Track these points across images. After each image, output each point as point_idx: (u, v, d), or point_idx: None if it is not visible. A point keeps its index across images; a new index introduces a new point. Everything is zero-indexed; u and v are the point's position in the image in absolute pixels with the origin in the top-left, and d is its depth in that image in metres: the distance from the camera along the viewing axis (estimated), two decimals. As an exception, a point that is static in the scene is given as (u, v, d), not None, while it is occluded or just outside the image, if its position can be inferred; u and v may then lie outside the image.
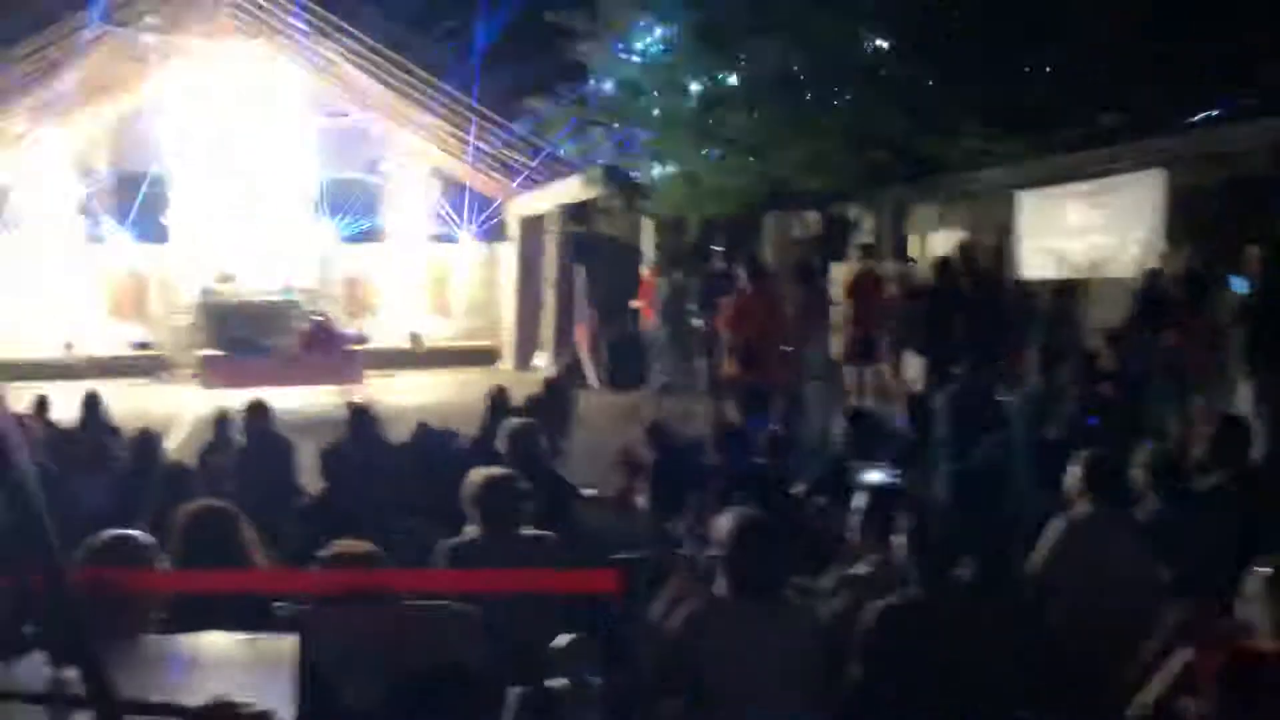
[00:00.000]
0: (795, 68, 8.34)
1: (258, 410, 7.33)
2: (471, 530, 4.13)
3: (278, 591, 3.21)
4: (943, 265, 9.70)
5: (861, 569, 4.11)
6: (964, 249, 10.19)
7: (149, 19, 16.71)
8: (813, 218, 11.28)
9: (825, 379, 9.66)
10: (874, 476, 5.10)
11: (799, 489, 6.14)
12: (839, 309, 10.52)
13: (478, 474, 4.20)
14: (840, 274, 11.21)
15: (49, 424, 8.62)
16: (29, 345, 18.96)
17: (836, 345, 10.42)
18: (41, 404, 9.09)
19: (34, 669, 1.88)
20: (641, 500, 8.06)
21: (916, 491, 5.19)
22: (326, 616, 2.81)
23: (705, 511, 6.15)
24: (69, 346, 19.33)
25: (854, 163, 9.54)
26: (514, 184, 19.83)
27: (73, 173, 20.26)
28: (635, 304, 16.62)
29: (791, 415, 8.18)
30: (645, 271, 16.60)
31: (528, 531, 4.17)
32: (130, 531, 3.03)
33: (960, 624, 3.46)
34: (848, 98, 8.38)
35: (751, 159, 9.78)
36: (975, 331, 8.83)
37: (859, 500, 4.33)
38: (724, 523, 3.57)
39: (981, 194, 10.80)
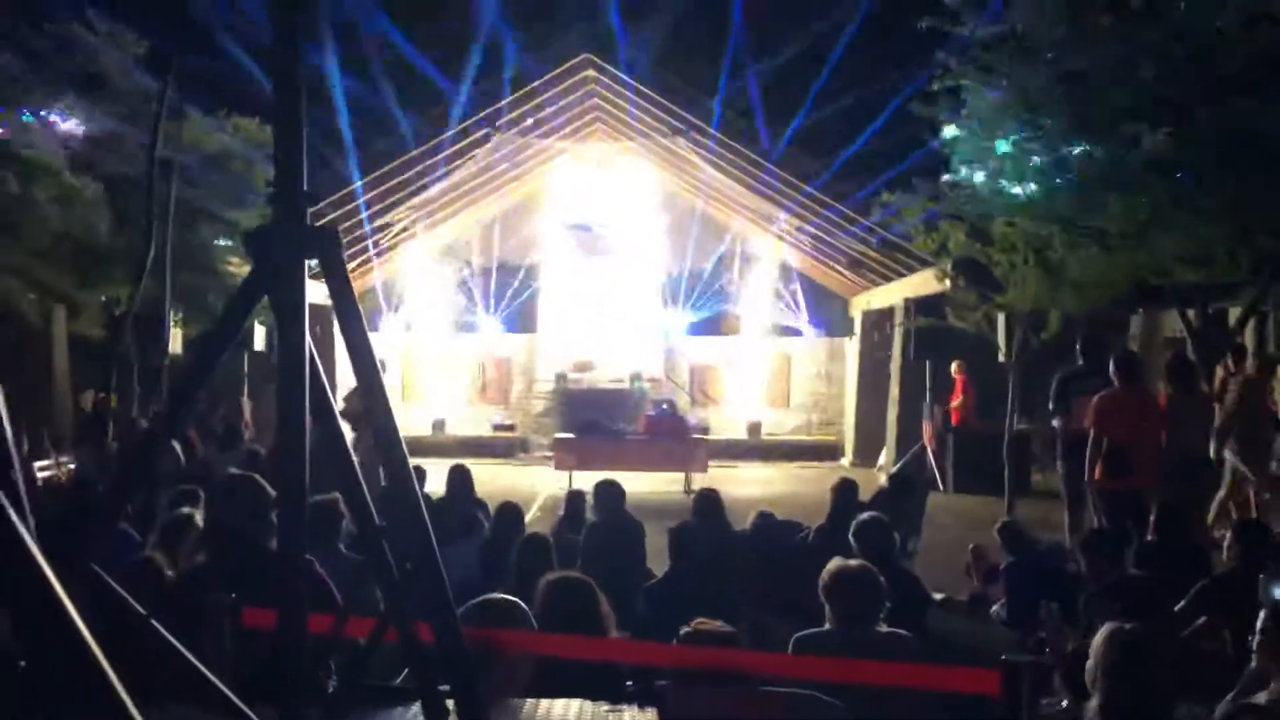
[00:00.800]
0: (1175, 151, 7.77)
1: (611, 489, 7.51)
2: (826, 623, 3.98)
3: (636, 663, 3.20)
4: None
5: (1262, 697, 3.62)
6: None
7: (527, 123, 18.05)
8: (1188, 314, 10.39)
9: (1205, 488, 8.79)
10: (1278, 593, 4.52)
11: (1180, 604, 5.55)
12: (1223, 414, 9.65)
13: (836, 565, 4.06)
14: (1220, 376, 10.32)
15: (424, 495, 9.25)
16: (403, 423, 20.63)
17: (1215, 452, 9.54)
18: (418, 476, 9.79)
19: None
20: (995, 606, 7.61)
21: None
22: (687, 693, 2.76)
23: (1070, 623, 5.71)
24: (439, 425, 20.91)
25: (1240, 253, 8.73)
26: (861, 278, 19.71)
27: (448, 265, 22.14)
28: (953, 403, 16.00)
29: (1166, 524, 7.46)
30: (954, 370, 16.00)
31: (883, 629, 3.99)
32: (509, 597, 3.13)
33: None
34: (1236, 180, 7.70)
35: (1121, 249, 9.16)
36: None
37: (1262, 619, 3.83)
38: (1100, 638, 3.24)
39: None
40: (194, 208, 11.37)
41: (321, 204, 12.60)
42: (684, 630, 3.11)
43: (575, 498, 8.14)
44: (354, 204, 16.36)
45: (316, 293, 1.93)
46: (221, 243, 12.59)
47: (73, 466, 10.75)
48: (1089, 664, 3.27)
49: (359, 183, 15.86)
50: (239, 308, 1.78)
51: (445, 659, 1.80)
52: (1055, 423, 9.67)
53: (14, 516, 1.07)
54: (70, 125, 10.30)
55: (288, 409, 1.76)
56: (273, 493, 4.16)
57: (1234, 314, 11.23)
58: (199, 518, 5.45)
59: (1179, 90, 7.78)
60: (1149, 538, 6.76)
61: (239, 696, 1.73)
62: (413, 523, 1.81)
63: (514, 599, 3.21)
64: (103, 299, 12.44)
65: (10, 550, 1.06)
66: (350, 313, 1.79)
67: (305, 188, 1.77)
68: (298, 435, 1.77)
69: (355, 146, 15.40)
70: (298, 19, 1.75)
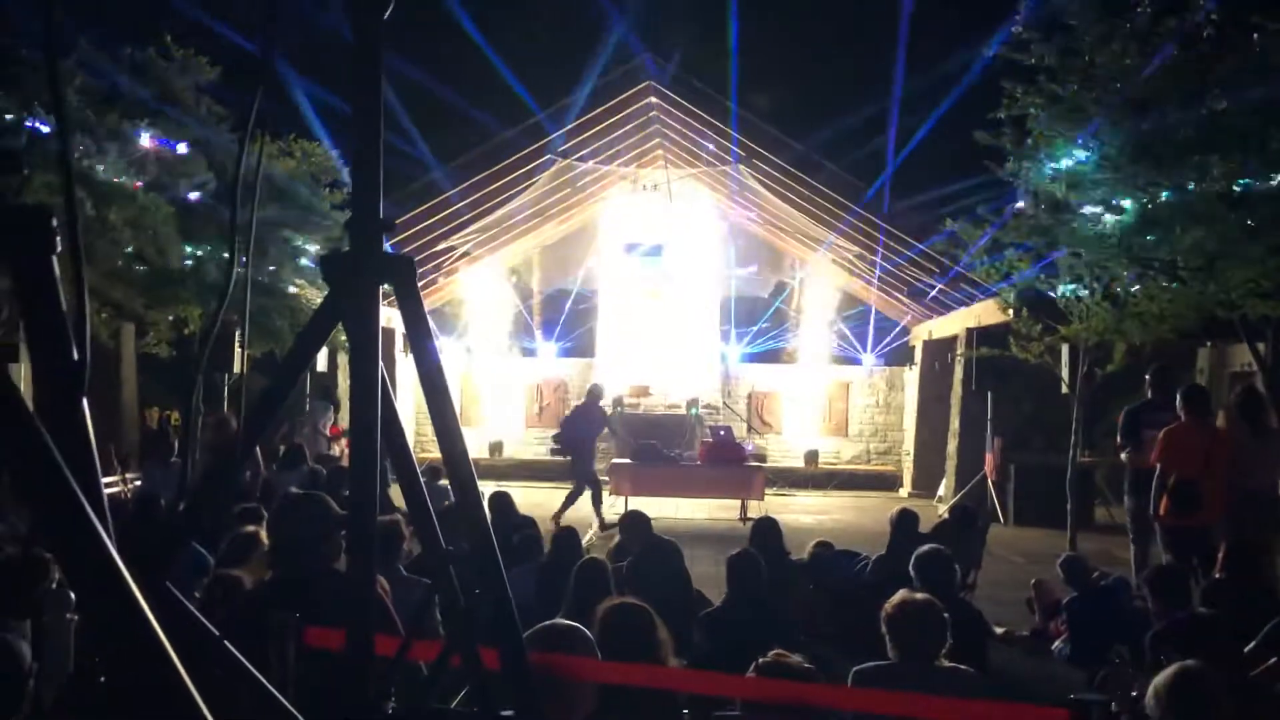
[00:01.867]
0: (1248, 183, 7.64)
1: (635, 521, 7.50)
2: (889, 656, 3.93)
3: (698, 694, 3.18)
4: None
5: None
6: None
7: (590, 149, 18.19)
8: (1259, 347, 10.16)
9: (1275, 525, 8.57)
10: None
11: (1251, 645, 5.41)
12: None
13: (901, 598, 4.01)
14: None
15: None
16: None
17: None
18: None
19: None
20: (1058, 642, 7.49)
21: None
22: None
23: (1136, 660, 5.59)
24: (496, 448, 21.03)
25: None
26: (922, 306, 19.57)
27: (508, 289, 22.32)
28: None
29: (1234, 562, 7.28)
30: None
31: (945, 664, 3.93)
32: (572, 623, 3.13)
33: None
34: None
35: (1190, 281, 9.00)
36: None
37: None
38: (1164, 676, 3.17)
39: None
40: (260, 231, 11.55)
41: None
42: (761, 661, 3.07)
43: (626, 525, 8.11)
44: (418, 227, 16.55)
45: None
46: (287, 266, 12.78)
47: (139, 483, 10.95)
48: (1149, 700, 3.21)
49: (422, 206, 16.06)
50: (315, 332, 1.80)
51: (511, 685, 1.81)
52: (1124, 456, 9.51)
53: (100, 530, 1.09)
54: (144, 148, 10.53)
55: (360, 432, 1.78)
56: (338, 512, 4.20)
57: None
58: (263, 535, 5.51)
59: (1251, 120, 7.66)
60: (1216, 575, 6.61)
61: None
62: (481, 547, 1.82)
63: (577, 625, 3.20)
64: (170, 318, 12.68)
65: (98, 565, 1.08)
66: (424, 339, 1.81)
67: (381, 215, 1.79)
68: (370, 458, 1.79)
69: (407, 173, 15.64)
70: (380, 47, 1.78)
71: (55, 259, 1.13)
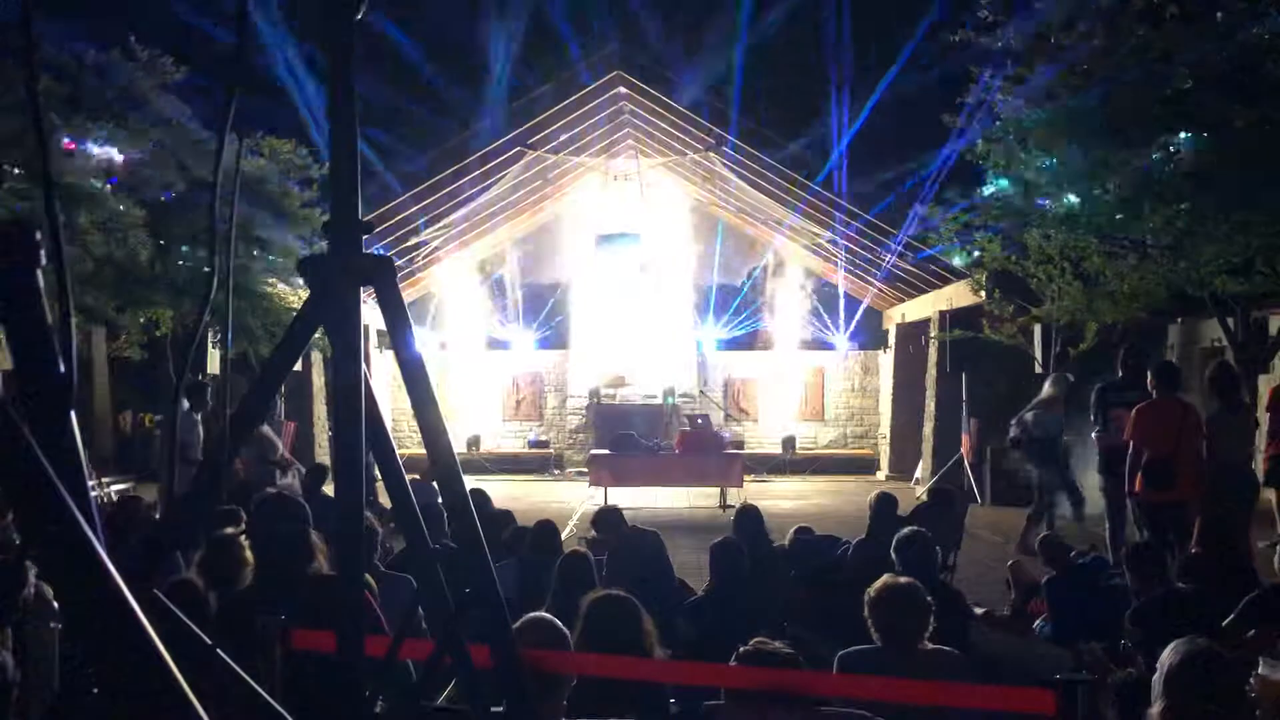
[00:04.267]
0: (1214, 160, 7.70)
1: (607, 515, 7.52)
2: (873, 639, 3.96)
3: (685, 684, 3.20)
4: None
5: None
6: None
7: (558, 140, 18.14)
8: (1229, 324, 10.28)
9: (1248, 499, 8.66)
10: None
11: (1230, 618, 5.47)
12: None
13: (884, 582, 4.04)
14: (1265, 387, 10.19)
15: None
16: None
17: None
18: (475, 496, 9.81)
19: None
20: (1038, 621, 7.55)
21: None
22: (739, 714, 2.75)
23: (1113, 637, 5.65)
24: (473, 442, 21.00)
25: (1280, 262, 8.66)
26: (894, 290, 19.66)
27: (481, 283, 22.26)
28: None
29: (1210, 536, 7.36)
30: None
31: (928, 646, 3.96)
32: (549, 616, 3.14)
33: None
34: (1276, 189, 7.61)
35: (1159, 259, 9.09)
36: None
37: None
38: (1167, 654, 3.20)
39: None
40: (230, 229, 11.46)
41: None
42: (742, 649, 3.09)
43: (602, 517, 8.11)
44: (390, 223, 16.47)
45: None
46: (257, 264, 12.69)
47: (115, 489, 10.87)
48: (1155, 677, 3.23)
49: (393, 202, 15.99)
50: (296, 335, 1.80)
51: (502, 681, 1.81)
52: (1095, 435, 9.59)
53: (94, 540, 1.09)
54: (111, 151, 10.44)
55: (344, 434, 1.79)
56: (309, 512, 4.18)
57: (1275, 323, 11.12)
58: (243, 538, 5.49)
59: (1218, 99, 7.73)
60: (1192, 550, 6.67)
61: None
62: (470, 544, 1.82)
63: (550, 617, 3.21)
64: (141, 320, 12.59)
65: (88, 572, 1.08)
66: (405, 339, 1.81)
67: (360, 215, 1.79)
68: (355, 459, 1.79)
69: (388, 165, 15.57)
70: (352, 49, 1.78)
71: (39, 272, 1.13)
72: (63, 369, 1.15)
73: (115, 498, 10.80)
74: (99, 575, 1.08)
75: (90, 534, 1.08)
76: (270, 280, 12.99)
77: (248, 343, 12.29)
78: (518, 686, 1.79)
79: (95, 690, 1.37)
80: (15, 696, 3.68)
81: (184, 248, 11.59)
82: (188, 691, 1.09)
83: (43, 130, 1.35)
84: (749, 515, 7.38)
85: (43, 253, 1.13)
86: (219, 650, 1.76)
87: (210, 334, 10.12)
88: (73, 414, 1.18)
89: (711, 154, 18.22)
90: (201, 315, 1.68)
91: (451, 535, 1.96)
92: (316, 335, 1.88)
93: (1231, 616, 5.46)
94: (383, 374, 17.39)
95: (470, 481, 9.51)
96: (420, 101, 15.99)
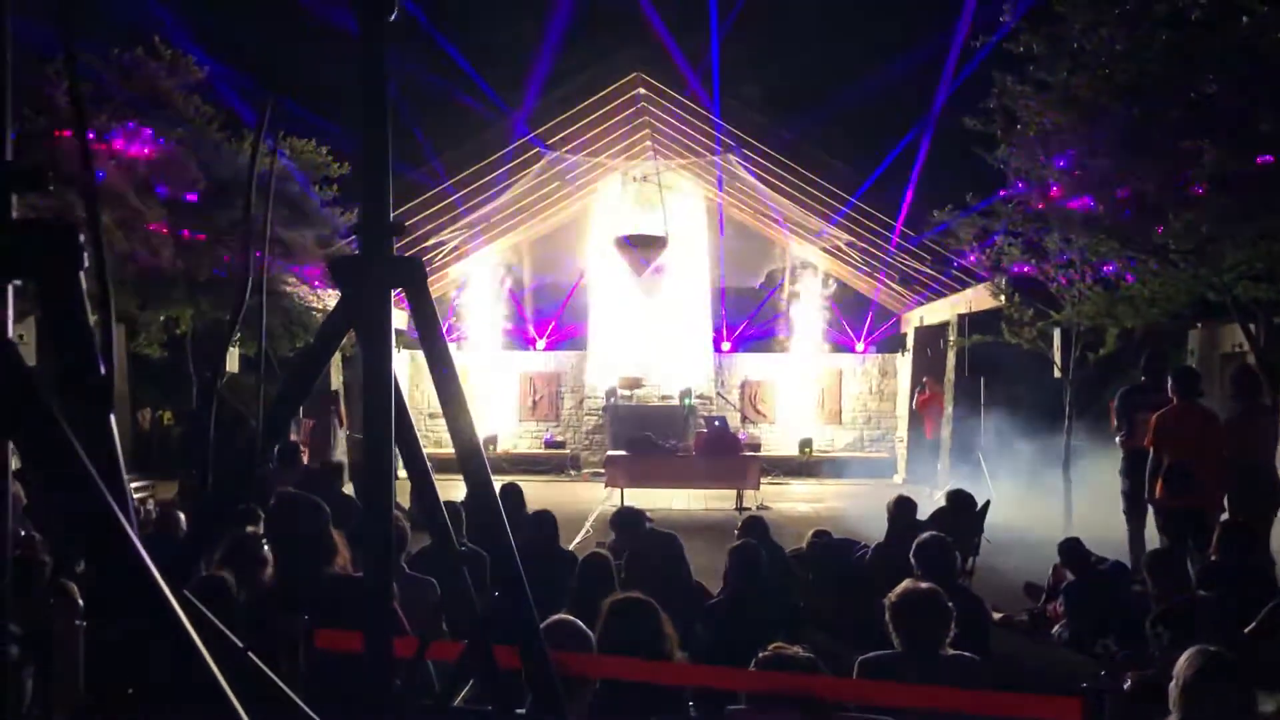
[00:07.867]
0: (1237, 165, 7.65)
1: (627, 517, 7.51)
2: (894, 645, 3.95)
3: (705, 687, 3.19)
4: None
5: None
6: None
7: (577, 142, 18.16)
8: (1251, 327, 10.20)
9: (1271, 504, 8.59)
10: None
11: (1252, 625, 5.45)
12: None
13: (905, 587, 4.02)
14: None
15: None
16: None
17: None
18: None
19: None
20: (1057, 627, 7.52)
21: None
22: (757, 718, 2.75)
23: (1134, 642, 5.63)
24: (490, 442, 21.02)
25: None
26: (913, 294, 19.59)
27: (499, 283, 22.29)
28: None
29: (1229, 543, 7.31)
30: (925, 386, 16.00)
31: (949, 652, 3.95)
32: (570, 618, 3.14)
33: None
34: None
35: (1183, 265, 9.03)
36: None
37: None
38: (1184, 661, 3.19)
39: None
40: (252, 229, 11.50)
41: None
42: (762, 654, 3.08)
43: (619, 520, 8.09)
44: (410, 221, 16.50)
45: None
46: (277, 264, 12.73)
47: (133, 486, 10.89)
48: (1171, 686, 3.22)
49: (414, 201, 16.02)
50: (327, 336, 1.81)
51: (533, 683, 1.81)
52: (1118, 439, 9.55)
53: (135, 540, 1.10)
54: (134, 149, 10.49)
55: (374, 435, 1.79)
56: (328, 511, 4.19)
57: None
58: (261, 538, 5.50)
59: (1242, 103, 7.67)
60: (1211, 556, 6.63)
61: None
62: (498, 545, 1.83)
63: (572, 619, 3.21)
64: (162, 319, 12.65)
65: (128, 566, 1.09)
66: (436, 340, 1.81)
67: (390, 218, 1.80)
68: (385, 460, 1.79)
69: (408, 165, 15.59)
70: (385, 51, 1.78)
71: (81, 275, 1.14)
72: (103, 370, 1.16)
73: (154, 507, 10.89)
74: (140, 575, 1.09)
75: (132, 534, 1.09)
76: (290, 280, 13.03)
77: (267, 342, 12.33)
78: (552, 691, 1.79)
79: (131, 690, 1.38)
80: (30, 693, 3.70)
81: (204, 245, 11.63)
82: (228, 692, 1.10)
83: (84, 137, 1.36)
84: (756, 526, 7.35)
85: (85, 255, 1.14)
86: (254, 658, 1.76)
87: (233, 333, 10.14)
88: (112, 417, 1.19)
89: (731, 156, 18.18)
90: (236, 317, 1.68)
91: (478, 538, 1.96)
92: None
93: (1254, 623, 5.43)
94: (402, 374, 17.40)
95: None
96: (437, 102, 15.96)
